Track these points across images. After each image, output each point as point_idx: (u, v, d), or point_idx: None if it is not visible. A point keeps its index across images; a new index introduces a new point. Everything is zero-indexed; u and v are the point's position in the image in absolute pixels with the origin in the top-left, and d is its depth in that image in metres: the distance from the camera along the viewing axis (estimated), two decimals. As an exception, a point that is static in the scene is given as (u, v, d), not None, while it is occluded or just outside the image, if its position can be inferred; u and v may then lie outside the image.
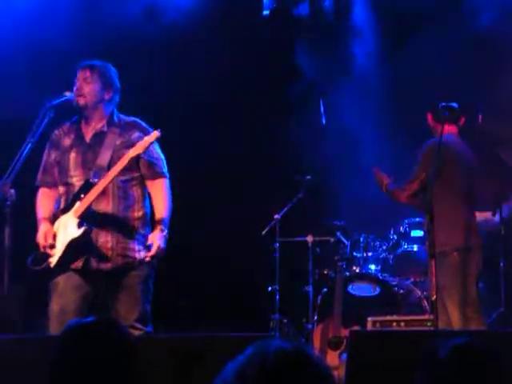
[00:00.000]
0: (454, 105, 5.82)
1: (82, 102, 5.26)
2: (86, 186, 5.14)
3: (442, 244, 5.58)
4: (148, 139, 5.10)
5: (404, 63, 8.03)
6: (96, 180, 5.12)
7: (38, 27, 7.27)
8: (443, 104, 5.74)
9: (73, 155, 5.28)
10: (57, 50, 7.27)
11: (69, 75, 5.36)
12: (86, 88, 5.26)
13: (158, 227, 5.19)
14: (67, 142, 5.33)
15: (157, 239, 5.14)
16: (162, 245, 5.15)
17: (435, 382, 2.16)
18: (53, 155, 5.38)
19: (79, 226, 5.11)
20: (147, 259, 5.15)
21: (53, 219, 5.27)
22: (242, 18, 8.33)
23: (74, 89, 5.28)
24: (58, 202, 5.36)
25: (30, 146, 5.01)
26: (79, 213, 5.11)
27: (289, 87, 8.29)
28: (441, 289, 5.51)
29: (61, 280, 5.16)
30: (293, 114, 8.32)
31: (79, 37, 7.38)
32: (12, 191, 5.00)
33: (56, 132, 5.40)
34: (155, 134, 5.12)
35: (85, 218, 5.11)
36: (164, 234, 5.19)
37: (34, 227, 5.30)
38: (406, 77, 8.03)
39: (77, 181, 5.22)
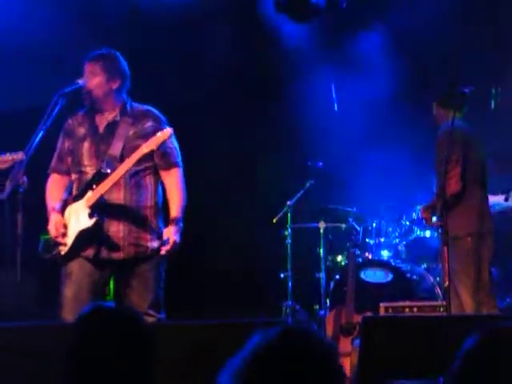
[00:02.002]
0: (467, 90, 5.78)
1: (89, 97, 5.27)
2: (98, 176, 5.14)
3: (455, 229, 5.57)
4: (161, 136, 5.07)
5: (417, 48, 8.03)
6: (108, 170, 5.12)
7: (52, 14, 7.27)
8: (449, 90, 5.72)
9: (86, 145, 5.28)
10: (69, 38, 7.28)
11: (81, 63, 5.36)
12: (93, 82, 5.24)
13: (173, 222, 5.23)
14: (81, 131, 5.33)
15: (172, 234, 5.18)
16: (178, 239, 5.19)
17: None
18: (66, 144, 5.39)
19: (90, 216, 5.12)
20: (162, 253, 5.18)
21: (64, 206, 5.28)
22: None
23: (81, 82, 5.28)
24: (69, 188, 5.38)
25: (41, 133, 5.02)
26: (91, 203, 5.12)
27: (300, 73, 8.27)
28: (453, 273, 5.50)
29: (74, 267, 5.17)
30: (304, 100, 8.30)
31: (91, 26, 7.38)
32: (25, 179, 5.01)
33: (70, 121, 5.41)
34: (168, 131, 5.11)
35: (96, 209, 5.12)
36: (179, 228, 5.23)
37: (46, 215, 5.31)
38: (419, 62, 8.02)
39: (90, 170, 5.23)
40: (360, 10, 8.20)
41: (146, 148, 5.06)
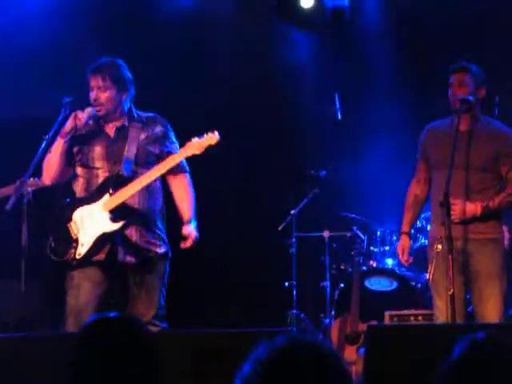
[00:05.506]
0: (471, 98, 5.67)
1: (102, 112, 5.24)
2: (117, 179, 5.13)
3: (495, 231, 5.51)
4: (208, 141, 5.13)
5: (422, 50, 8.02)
6: (126, 173, 5.12)
7: (56, 22, 7.28)
8: (461, 96, 5.60)
9: (98, 149, 5.25)
10: (74, 45, 7.29)
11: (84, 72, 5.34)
12: (103, 97, 5.21)
13: (190, 220, 5.33)
14: (90, 134, 5.27)
15: (193, 230, 5.28)
16: (197, 234, 5.30)
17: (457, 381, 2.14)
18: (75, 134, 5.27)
19: (114, 220, 5.10)
20: (183, 247, 5.27)
21: (71, 207, 5.24)
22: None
23: (91, 98, 5.22)
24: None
25: (44, 143, 5.01)
26: (111, 206, 5.10)
27: (303, 81, 8.27)
28: (487, 276, 5.44)
29: (82, 278, 5.15)
30: (308, 108, 8.30)
31: (94, 32, 7.38)
32: (29, 189, 5.02)
33: (79, 115, 5.21)
34: (216, 136, 5.15)
35: (118, 212, 5.11)
36: (195, 224, 5.34)
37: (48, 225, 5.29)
38: (424, 62, 8.00)
39: (101, 172, 5.21)
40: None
41: (190, 151, 5.11)
